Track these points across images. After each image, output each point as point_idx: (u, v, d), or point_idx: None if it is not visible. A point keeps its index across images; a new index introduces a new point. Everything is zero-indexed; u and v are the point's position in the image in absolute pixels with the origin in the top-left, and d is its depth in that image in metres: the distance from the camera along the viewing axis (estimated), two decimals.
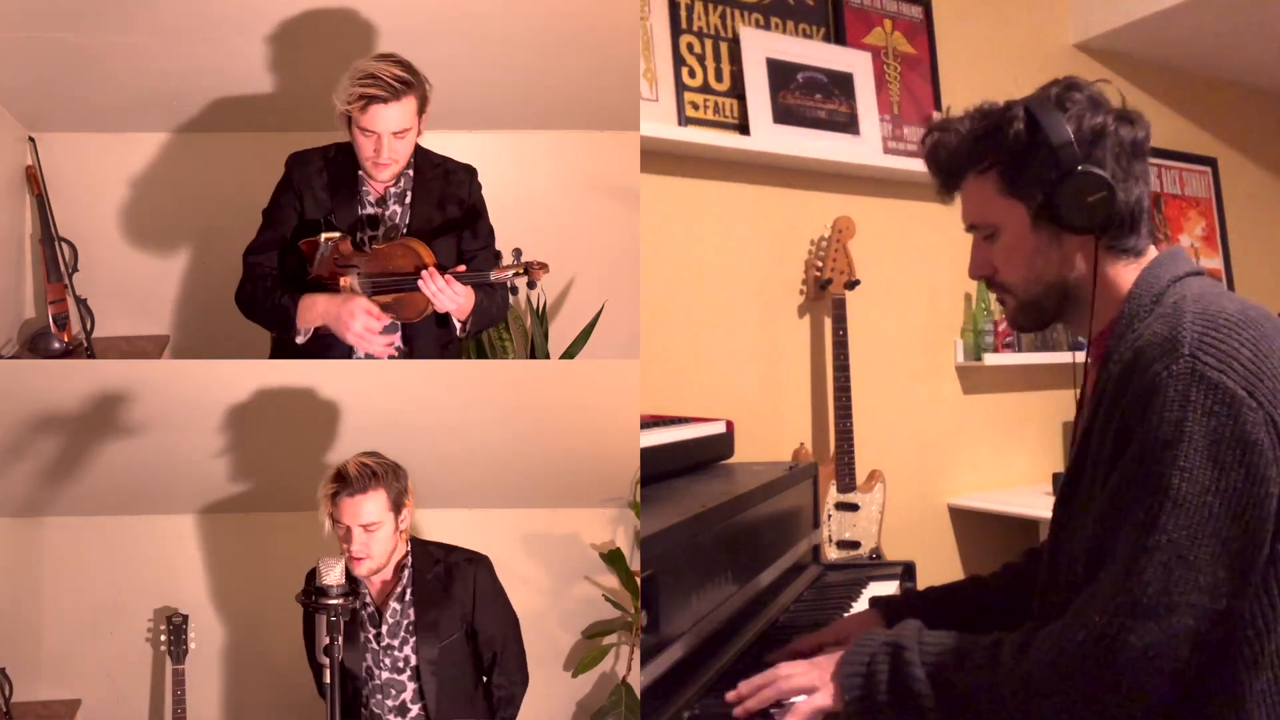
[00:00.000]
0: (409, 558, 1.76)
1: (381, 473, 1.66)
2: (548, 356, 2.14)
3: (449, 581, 1.78)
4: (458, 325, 1.72)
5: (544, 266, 1.64)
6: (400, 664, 1.74)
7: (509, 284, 1.69)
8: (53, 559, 2.04)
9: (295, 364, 1.75)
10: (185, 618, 2.01)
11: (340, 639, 1.43)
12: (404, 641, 1.75)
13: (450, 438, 2.01)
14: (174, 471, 1.98)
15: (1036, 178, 1.25)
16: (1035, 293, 1.31)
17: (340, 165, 1.74)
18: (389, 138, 1.66)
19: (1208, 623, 1.06)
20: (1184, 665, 1.06)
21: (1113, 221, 1.24)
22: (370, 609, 1.73)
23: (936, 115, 1.42)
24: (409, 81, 1.64)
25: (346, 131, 1.68)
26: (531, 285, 1.65)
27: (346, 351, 1.71)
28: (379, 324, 1.65)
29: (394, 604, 1.75)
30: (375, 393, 1.90)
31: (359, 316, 1.63)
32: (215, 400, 1.86)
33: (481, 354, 2.16)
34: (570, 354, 2.14)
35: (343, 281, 1.67)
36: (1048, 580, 1.30)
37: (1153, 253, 1.29)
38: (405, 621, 1.75)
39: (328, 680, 1.41)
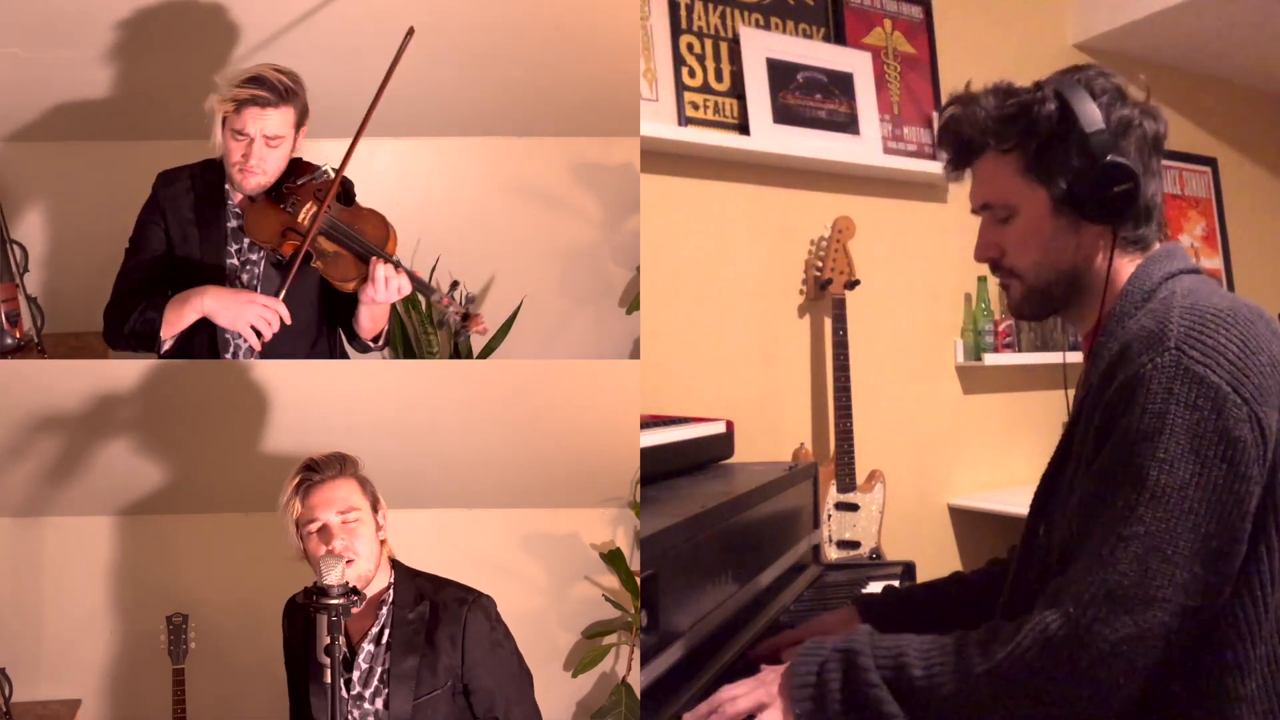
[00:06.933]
0: (391, 591, 1.53)
1: (349, 460, 1.51)
2: (471, 352, 2.14)
3: (433, 625, 1.52)
4: (368, 340, 1.69)
5: (482, 321, 1.66)
6: (369, 719, 1.50)
7: (445, 316, 1.67)
8: (53, 559, 2.04)
9: (295, 364, 1.75)
10: (185, 618, 2.01)
11: (341, 639, 1.30)
12: (376, 693, 1.49)
13: (450, 438, 2.00)
14: (173, 471, 1.98)
15: (1063, 163, 1.22)
16: (1047, 279, 1.28)
17: (208, 182, 1.67)
18: (261, 142, 1.60)
19: (1181, 620, 1.04)
20: (1155, 662, 1.05)
21: (1133, 214, 1.23)
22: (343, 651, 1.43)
23: (936, 115, 1.41)
24: (293, 90, 1.60)
25: (218, 137, 1.62)
26: (458, 333, 1.63)
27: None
28: (275, 319, 1.59)
29: (368, 646, 1.51)
30: (374, 393, 1.91)
31: (256, 305, 1.58)
32: (216, 400, 1.87)
33: (409, 350, 2.16)
34: (490, 349, 2.15)
35: (307, 208, 1.62)
36: (1019, 570, 1.28)
37: (1155, 247, 1.27)
38: (379, 669, 1.50)
39: (327, 680, 1.33)
